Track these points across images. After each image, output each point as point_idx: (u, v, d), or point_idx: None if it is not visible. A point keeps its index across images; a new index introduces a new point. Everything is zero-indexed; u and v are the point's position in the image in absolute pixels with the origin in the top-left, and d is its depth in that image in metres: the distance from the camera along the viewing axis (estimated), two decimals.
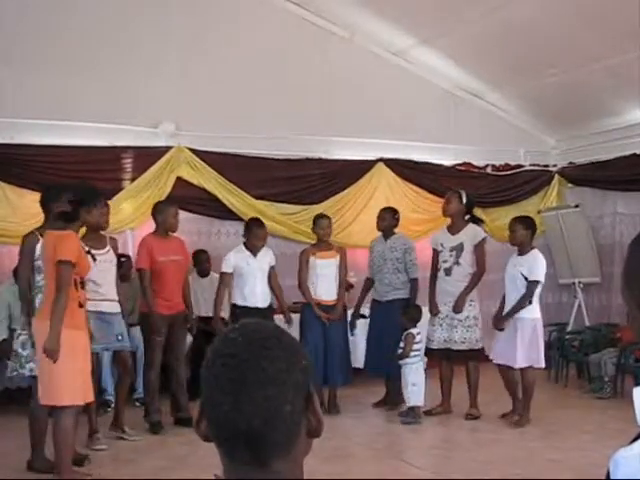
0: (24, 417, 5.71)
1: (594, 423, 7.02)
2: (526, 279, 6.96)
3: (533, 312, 6.99)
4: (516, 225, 7.14)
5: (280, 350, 1.21)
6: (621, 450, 1.23)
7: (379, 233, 8.01)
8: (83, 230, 5.97)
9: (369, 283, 8.08)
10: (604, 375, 8.17)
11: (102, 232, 6.44)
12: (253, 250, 7.45)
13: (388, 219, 7.91)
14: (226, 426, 1.17)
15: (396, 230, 7.96)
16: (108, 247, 6.48)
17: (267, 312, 7.40)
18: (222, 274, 7.48)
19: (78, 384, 5.13)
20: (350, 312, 8.13)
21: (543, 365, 7.14)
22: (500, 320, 7.04)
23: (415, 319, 7.40)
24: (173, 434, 6.71)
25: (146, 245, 7.01)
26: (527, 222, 7.19)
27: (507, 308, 7.10)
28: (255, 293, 7.38)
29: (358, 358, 8.35)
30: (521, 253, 7.10)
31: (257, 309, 7.30)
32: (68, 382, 5.08)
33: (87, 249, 5.79)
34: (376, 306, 7.95)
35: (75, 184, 5.77)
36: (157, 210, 7.13)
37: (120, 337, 6.54)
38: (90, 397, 5.38)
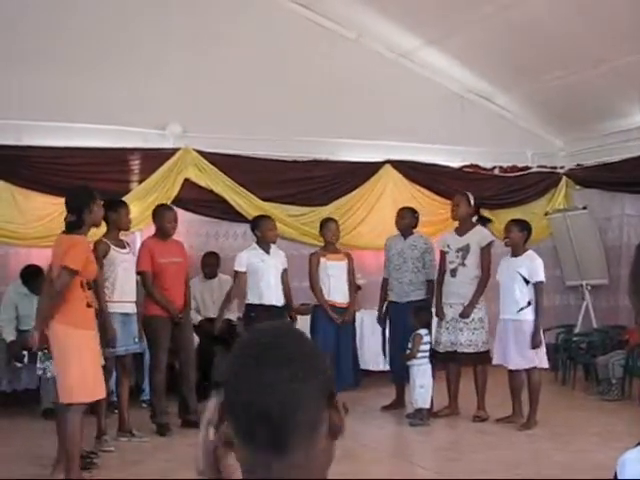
0: (33, 419, 5.73)
1: (601, 425, 6.99)
2: (525, 281, 6.96)
3: (531, 314, 6.99)
4: (511, 227, 7.17)
5: (302, 340, 1.24)
6: (628, 452, 1.23)
7: (395, 232, 7.95)
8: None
9: (386, 283, 7.93)
10: (611, 377, 8.14)
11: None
12: (266, 247, 7.44)
13: (409, 217, 7.87)
14: (248, 406, 1.15)
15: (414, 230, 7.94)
16: (128, 248, 6.70)
17: (283, 311, 7.41)
18: (236, 273, 7.46)
19: (84, 382, 5.18)
20: (359, 314, 8.13)
21: (545, 365, 7.12)
22: (535, 338, 6.91)
23: (427, 321, 7.40)
24: (180, 436, 6.71)
25: (146, 248, 7.05)
26: (522, 224, 7.22)
27: (502, 310, 7.11)
28: (271, 289, 7.35)
29: (366, 360, 8.34)
30: (515, 254, 7.10)
31: (273, 307, 7.30)
32: (74, 380, 5.15)
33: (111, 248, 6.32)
34: (394, 308, 7.80)
35: (67, 190, 5.83)
36: (155, 213, 7.21)
37: (136, 339, 6.63)
38: (100, 394, 5.42)
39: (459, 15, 8.59)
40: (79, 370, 5.14)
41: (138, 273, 6.99)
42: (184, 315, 7.07)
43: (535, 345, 6.88)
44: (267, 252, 7.45)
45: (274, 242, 7.52)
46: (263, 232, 7.46)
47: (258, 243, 7.49)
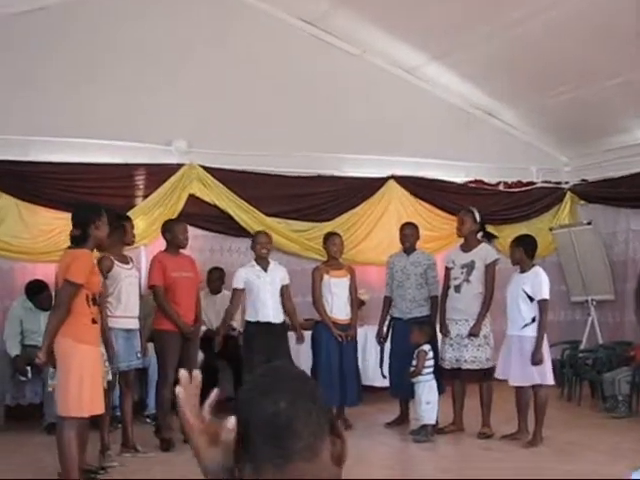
0: (36, 433, 5.72)
1: (608, 443, 6.94)
2: (529, 297, 6.94)
3: (535, 330, 6.96)
4: (512, 243, 7.19)
5: (299, 376, 1.41)
6: (634, 473, 1.22)
7: (398, 249, 7.96)
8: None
9: (388, 301, 7.92)
10: (618, 394, 8.10)
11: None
12: (262, 264, 7.46)
13: (415, 234, 7.88)
14: (254, 417, 1.28)
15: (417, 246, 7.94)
16: (131, 263, 6.72)
17: (280, 328, 7.41)
18: (234, 290, 7.49)
19: (81, 397, 5.19)
20: (362, 330, 8.12)
21: (550, 382, 7.08)
22: (535, 355, 6.85)
23: (430, 337, 7.38)
24: (184, 451, 6.68)
25: (158, 262, 7.05)
26: (523, 240, 7.20)
27: (509, 325, 7.09)
28: (267, 306, 7.36)
29: (369, 376, 8.32)
30: (523, 271, 7.09)
31: (269, 324, 7.30)
32: (73, 395, 5.16)
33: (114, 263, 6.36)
34: (398, 324, 7.78)
35: (74, 206, 5.88)
36: (166, 228, 7.20)
37: (139, 354, 6.64)
38: (97, 410, 5.40)
39: (464, 31, 8.63)
40: (78, 385, 5.15)
41: (150, 287, 7.02)
42: (195, 330, 7.07)
43: (535, 362, 6.84)
44: (264, 269, 7.46)
45: (263, 257, 7.48)
46: (253, 247, 7.52)
47: (256, 260, 7.50)
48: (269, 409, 1.28)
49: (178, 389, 1.34)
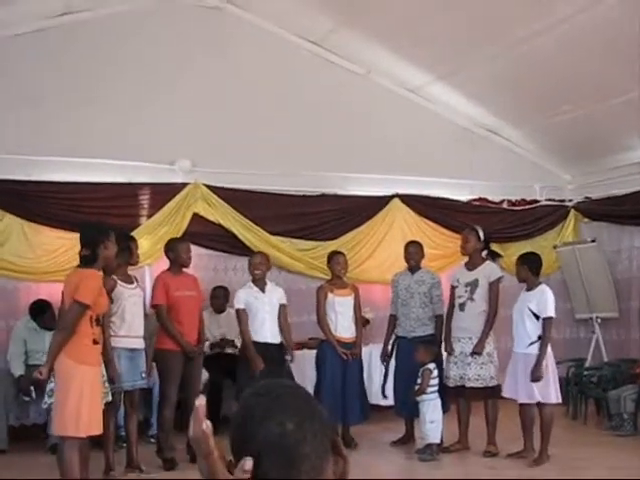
0: (40, 454, 5.71)
1: (614, 461, 6.90)
2: (535, 315, 6.92)
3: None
4: (518, 261, 7.19)
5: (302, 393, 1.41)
6: None
7: (402, 267, 7.96)
8: None
9: (393, 320, 7.91)
10: (623, 412, 8.07)
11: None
12: (259, 285, 7.47)
13: (420, 253, 7.88)
14: (260, 438, 1.30)
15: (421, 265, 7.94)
16: (135, 283, 6.73)
17: (278, 348, 7.42)
18: (237, 311, 7.49)
19: (79, 417, 5.19)
20: (367, 348, 8.11)
21: (554, 401, 7.02)
22: (534, 372, 6.81)
23: (434, 355, 7.36)
24: (187, 470, 6.65)
25: (161, 281, 7.05)
26: (528, 258, 7.20)
27: (515, 343, 7.08)
28: (264, 328, 7.37)
29: (375, 395, 8.29)
30: (529, 289, 7.09)
31: (267, 344, 7.31)
32: (72, 415, 5.17)
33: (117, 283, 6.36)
34: (402, 343, 7.76)
35: (81, 226, 5.91)
36: (169, 247, 7.21)
37: (144, 374, 6.63)
38: (95, 431, 5.38)
39: (468, 51, 8.67)
40: (76, 405, 5.15)
41: (153, 306, 7.02)
42: (198, 350, 7.06)
43: (534, 379, 6.82)
44: (262, 289, 7.46)
45: (258, 278, 7.47)
46: (249, 268, 7.55)
47: (253, 281, 7.51)
48: (275, 430, 1.29)
49: (206, 424, 1.33)
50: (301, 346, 8.35)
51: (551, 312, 6.94)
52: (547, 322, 6.90)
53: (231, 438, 1.37)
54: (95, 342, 5.33)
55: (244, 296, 7.44)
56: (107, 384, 5.99)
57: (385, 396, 7.95)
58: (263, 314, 7.38)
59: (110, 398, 6.09)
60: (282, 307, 7.54)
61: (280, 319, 7.49)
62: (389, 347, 7.91)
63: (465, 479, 6.78)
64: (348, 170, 9.58)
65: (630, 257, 9.93)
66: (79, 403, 5.16)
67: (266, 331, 7.38)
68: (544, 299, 6.95)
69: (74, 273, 5.42)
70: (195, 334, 7.05)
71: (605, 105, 8.75)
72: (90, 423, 5.27)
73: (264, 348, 7.23)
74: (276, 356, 7.32)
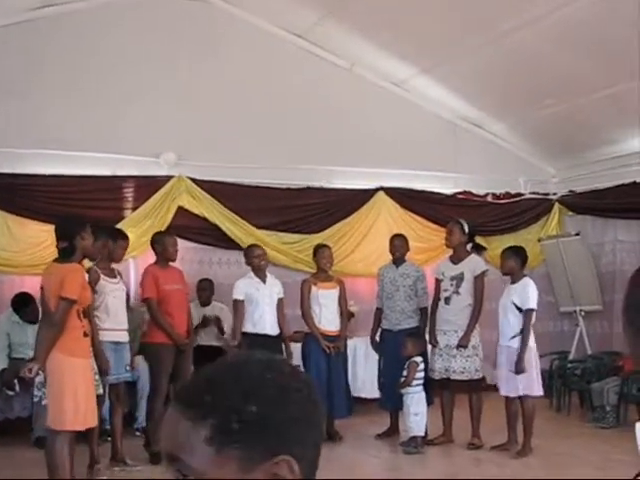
0: (25, 447, 5.70)
1: (597, 453, 6.96)
2: (518, 308, 6.96)
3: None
4: (504, 254, 7.23)
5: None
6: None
7: (387, 260, 7.98)
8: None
9: (379, 313, 7.93)
10: (606, 404, 8.12)
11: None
12: (260, 276, 7.48)
13: (405, 246, 7.90)
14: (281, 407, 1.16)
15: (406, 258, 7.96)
16: (118, 277, 6.73)
17: (277, 340, 7.42)
18: (234, 301, 7.49)
19: (77, 410, 5.20)
20: (351, 342, 8.12)
21: (537, 393, 7.08)
22: (517, 364, 6.87)
23: (421, 348, 7.39)
24: None
25: (150, 275, 7.03)
26: (515, 251, 7.25)
27: (500, 336, 7.13)
28: (265, 319, 7.40)
29: (358, 387, 8.31)
30: (513, 282, 7.13)
31: (266, 336, 7.32)
32: (67, 408, 5.17)
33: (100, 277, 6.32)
34: (387, 336, 7.80)
35: (56, 219, 5.90)
36: (156, 241, 7.20)
37: (128, 367, 6.63)
38: (91, 423, 5.42)
39: (452, 44, 8.67)
40: (72, 398, 5.16)
41: (143, 300, 7.01)
42: (188, 342, 7.06)
43: (517, 371, 6.86)
44: (263, 281, 7.48)
45: (261, 269, 7.51)
46: (249, 260, 7.54)
47: (254, 272, 7.50)
48: (296, 395, 1.16)
49: None
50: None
51: (533, 304, 6.98)
52: (528, 314, 6.94)
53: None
54: (85, 334, 5.34)
55: (244, 287, 7.43)
56: (97, 377, 5.98)
57: (381, 389, 7.96)
58: (264, 306, 7.40)
59: (101, 391, 6.09)
60: (280, 300, 7.57)
61: (278, 311, 7.51)
62: (376, 339, 7.94)
63: (454, 479, 6.81)
64: (333, 163, 9.57)
65: (614, 250, 9.98)
66: (76, 396, 5.17)
67: (265, 323, 7.40)
68: (526, 292, 6.99)
69: (55, 268, 5.37)
70: (185, 326, 7.05)
71: (589, 99, 8.78)
72: (87, 415, 5.30)
73: (263, 340, 7.23)
74: (275, 347, 7.32)
